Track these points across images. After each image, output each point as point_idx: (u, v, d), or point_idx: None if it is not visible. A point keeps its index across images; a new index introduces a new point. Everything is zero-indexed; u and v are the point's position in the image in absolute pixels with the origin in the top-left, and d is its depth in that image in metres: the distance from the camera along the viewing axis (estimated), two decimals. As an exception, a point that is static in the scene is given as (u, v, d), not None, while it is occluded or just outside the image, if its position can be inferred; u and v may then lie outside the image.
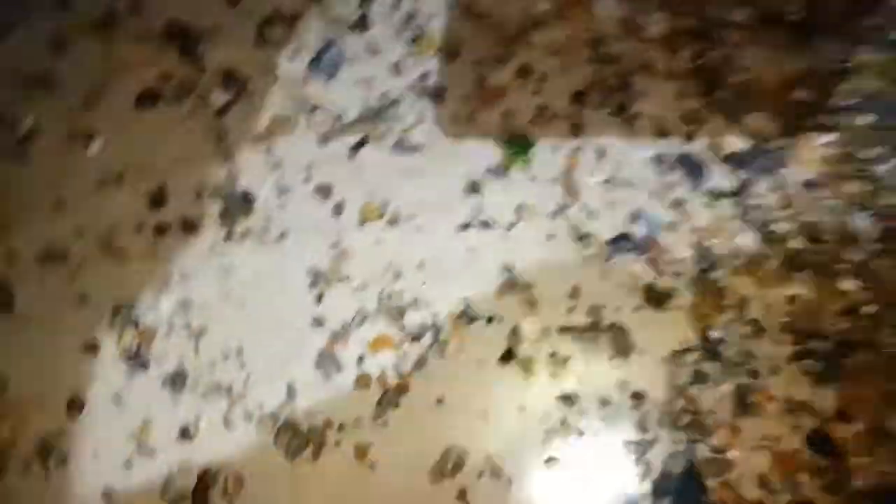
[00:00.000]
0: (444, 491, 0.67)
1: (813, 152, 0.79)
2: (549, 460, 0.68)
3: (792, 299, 0.75)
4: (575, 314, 0.74)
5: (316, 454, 0.68)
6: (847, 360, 0.71)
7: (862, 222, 0.74)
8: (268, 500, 0.66)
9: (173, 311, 0.74)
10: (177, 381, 0.68)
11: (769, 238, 0.78)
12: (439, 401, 0.68)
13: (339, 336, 0.73)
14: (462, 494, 0.66)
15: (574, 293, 0.74)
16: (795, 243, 0.78)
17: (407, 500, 0.66)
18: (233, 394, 0.70)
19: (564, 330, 0.73)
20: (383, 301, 0.74)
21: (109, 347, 0.73)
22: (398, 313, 0.73)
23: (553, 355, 0.72)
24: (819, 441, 0.68)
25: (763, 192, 0.79)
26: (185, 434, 0.66)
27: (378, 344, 0.73)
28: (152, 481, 0.65)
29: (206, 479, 0.66)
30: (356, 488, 0.66)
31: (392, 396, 0.69)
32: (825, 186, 0.79)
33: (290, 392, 0.70)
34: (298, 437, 0.66)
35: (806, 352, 0.72)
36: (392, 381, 0.70)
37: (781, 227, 0.79)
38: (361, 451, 0.68)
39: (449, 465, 0.68)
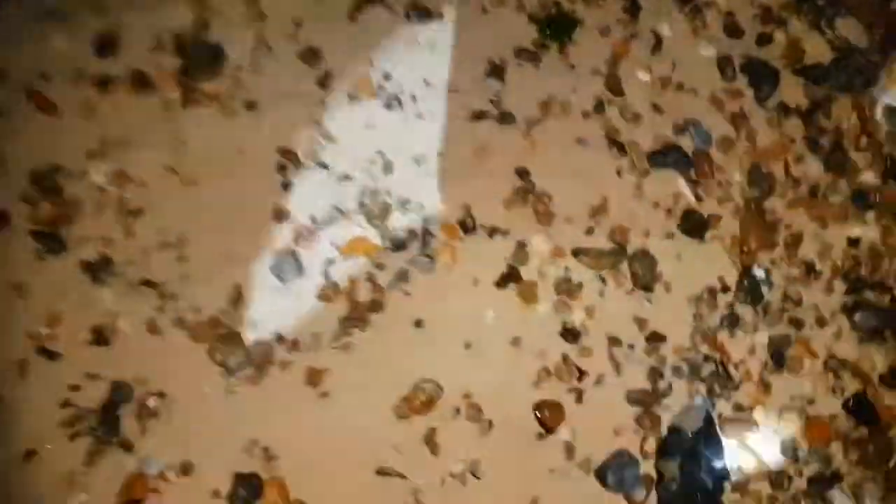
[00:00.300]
0: (408, 430, 0.62)
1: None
2: (540, 405, 0.56)
3: (854, 242, 0.62)
4: (595, 235, 0.61)
5: (258, 375, 0.56)
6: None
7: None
8: (193, 425, 0.53)
9: (106, 183, 0.59)
10: (98, 270, 0.54)
11: (839, 168, 0.64)
12: (418, 324, 0.63)
13: (306, 234, 0.59)
14: (430, 436, 0.54)
15: (598, 210, 0.61)
16: (869, 178, 0.64)
17: (363, 437, 0.61)
18: (165, 292, 0.56)
19: (580, 252, 0.60)
20: (366, 197, 0.59)
21: (21, 220, 0.58)
22: (382, 213, 0.60)
23: (562, 282, 0.59)
24: (860, 407, 0.58)
25: (840, 114, 0.64)
26: (99, 336, 0.53)
27: (353, 248, 0.60)
28: (53, 391, 0.52)
29: (119, 394, 0.53)
30: (303, 419, 0.54)
31: (361, 313, 0.57)
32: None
33: (236, 297, 0.57)
34: (239, 353, 0.53)
35: (860, 304, 0.60)
36: (364, 295, 0.57)
37: (856, 157, 0.64)
38: (315, 376, 0.56)
39: (419, 401, 0.56)
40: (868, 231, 0.70)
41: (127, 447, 0.60)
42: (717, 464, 0.62)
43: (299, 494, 0.60)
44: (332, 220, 0.65)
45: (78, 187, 0.63)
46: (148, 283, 0.62)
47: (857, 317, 0.66)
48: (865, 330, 0.66)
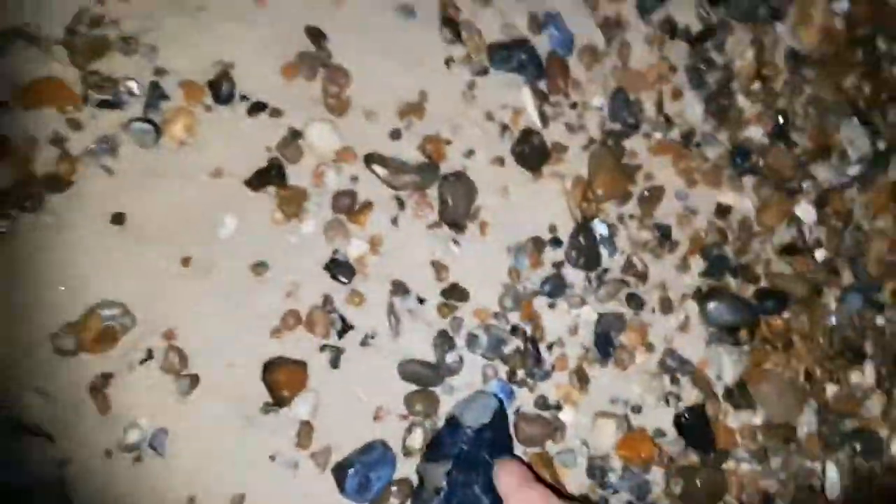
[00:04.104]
0: (69, 371, 0.51)
1: (824, 16, 0.60)
2: (275, 364, 0.49)
3: (724, 211, 0.55)
4: (402, 141, 0.59)
5: None
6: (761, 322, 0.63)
7: (852, 132, 0.56)
8: None
9: None
10: None
11: (722, 114, 0.56)
12: (117, 219, 0.52)
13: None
14: (100, 385, 0.51)
15: (412, 109, 0.62)
16: (755, 133, 0.58)
17: None
18: None
19: (377, 160, 0.52)
20: (81, 22, 0.53)
21: None
22: (92, 49, 0.53)
23: (343, 196, 0.53)
24: (695, 426, 0.59)
25: (735, 48, 0.57)
26: None
27: (39, 94, 0.52)
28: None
29: None
30: None
31: (32, 188, 0.51)
32: (822, 66, 0.66)
33: None
34: None
35: (718, 291, 0.55)
36: (43, 162, 0.51)
37: (744, 105, 0.57)
38: None
39: (93, 331, 0.51)
40: (743, 200, 0.65)
41: None
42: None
43: None
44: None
45: None
46: None
47: (711, 307, 0.60)
48: (718, 325, 0.60)
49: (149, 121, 0.54)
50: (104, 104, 0.53)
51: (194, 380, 0.52)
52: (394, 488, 0.53)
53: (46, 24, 0.53)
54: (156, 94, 0.54)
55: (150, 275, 0.52)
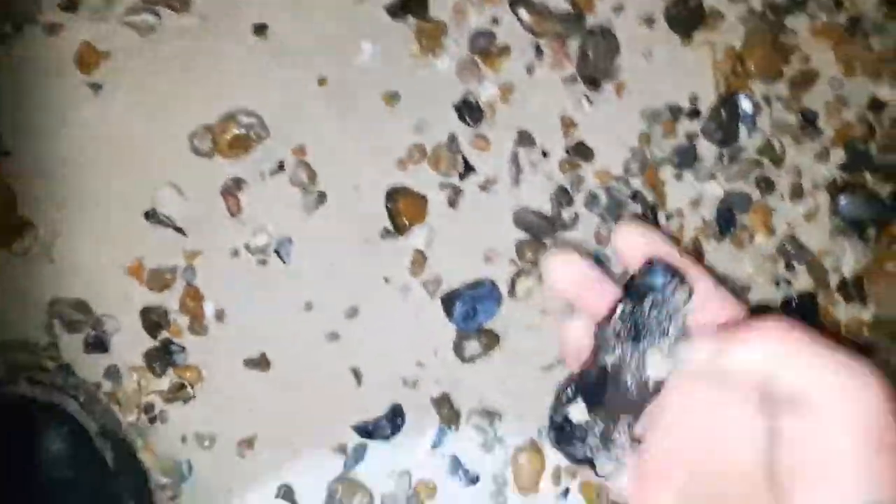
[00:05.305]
0: (205, 171, 0.74)
1: None
2: (397, 193, 0.72)
3: (877, 106, 0.79)
4: None
5: (12, 34, 0.69)
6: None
7: None
8: None
9: None
10: None
11: (899, -1, 0.74)
12: (259, 30, 0.75)
13: None
14: (232, 188, 0.75)
15: None
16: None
17: (137, 162, 0.72)
18: None
19: (522, 2, 0.68)
20: None
21: None
22: None
23: (482, 35, 0.69)
24: (802, 312, 0.78)
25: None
26: None
27: None
28: None
29: None
30: (57, 111, 0.72)
31: None
32: None
33: None
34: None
35: (853, 186, 0.78)
36: None
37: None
38: (89, 56, 0.73)
39: (229, 135, 0.74)
40: (900, 98, 0.69)
41: None
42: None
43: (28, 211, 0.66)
44: None
45: None
46: None
47: (843, 200, 0.75)
48: (846, 219, 0.75)
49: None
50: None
51: (321, 197, 0.66)
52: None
53: None
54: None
55: (286, 90, 0.66)
